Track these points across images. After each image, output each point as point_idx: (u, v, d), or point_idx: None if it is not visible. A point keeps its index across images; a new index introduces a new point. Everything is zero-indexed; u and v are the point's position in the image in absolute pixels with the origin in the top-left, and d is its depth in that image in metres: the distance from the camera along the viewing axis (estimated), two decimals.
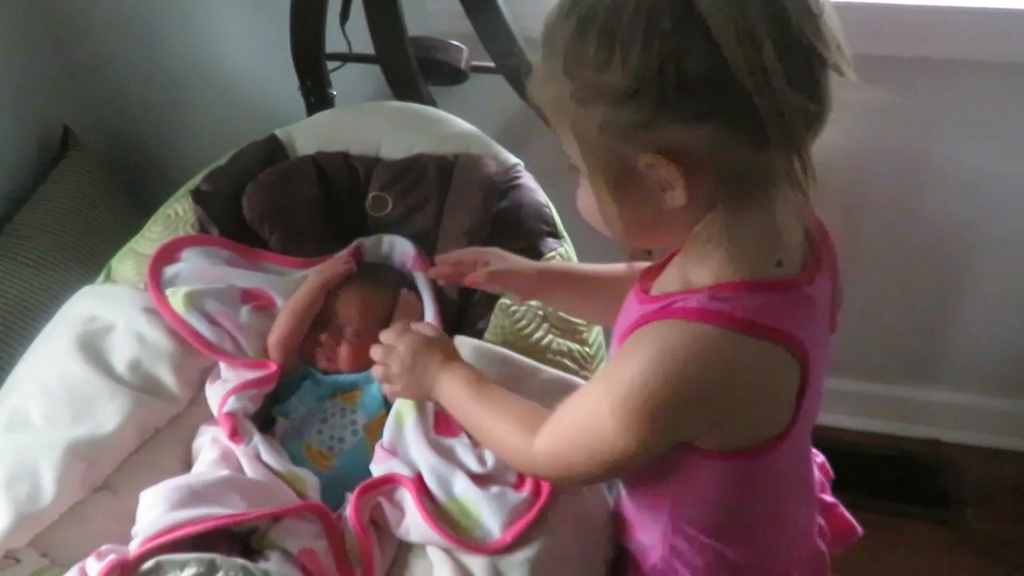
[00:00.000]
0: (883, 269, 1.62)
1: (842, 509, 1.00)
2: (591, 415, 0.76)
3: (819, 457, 1.01)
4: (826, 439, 1.04)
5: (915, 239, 1.58)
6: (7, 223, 1.55)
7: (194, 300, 1.09)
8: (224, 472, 0.96)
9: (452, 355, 0.93)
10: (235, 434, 0.99)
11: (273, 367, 1.08)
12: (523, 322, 1.09)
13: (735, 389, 0.72)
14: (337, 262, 1.17)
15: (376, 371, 0.96)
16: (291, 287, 1.16)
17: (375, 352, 0.95)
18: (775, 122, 0.64)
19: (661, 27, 0.62)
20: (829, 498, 0.99)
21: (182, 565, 0.82)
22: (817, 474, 0.98)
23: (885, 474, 1.70)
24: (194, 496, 0.89)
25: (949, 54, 1.37)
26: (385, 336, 0.95)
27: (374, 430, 1.08)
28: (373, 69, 1.57)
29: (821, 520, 0.96)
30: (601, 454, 0.76)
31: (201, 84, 1.77)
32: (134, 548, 0.86)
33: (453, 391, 0.89)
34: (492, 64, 1.38)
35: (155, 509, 0.88)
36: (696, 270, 0.74)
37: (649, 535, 0.90)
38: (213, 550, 0.86)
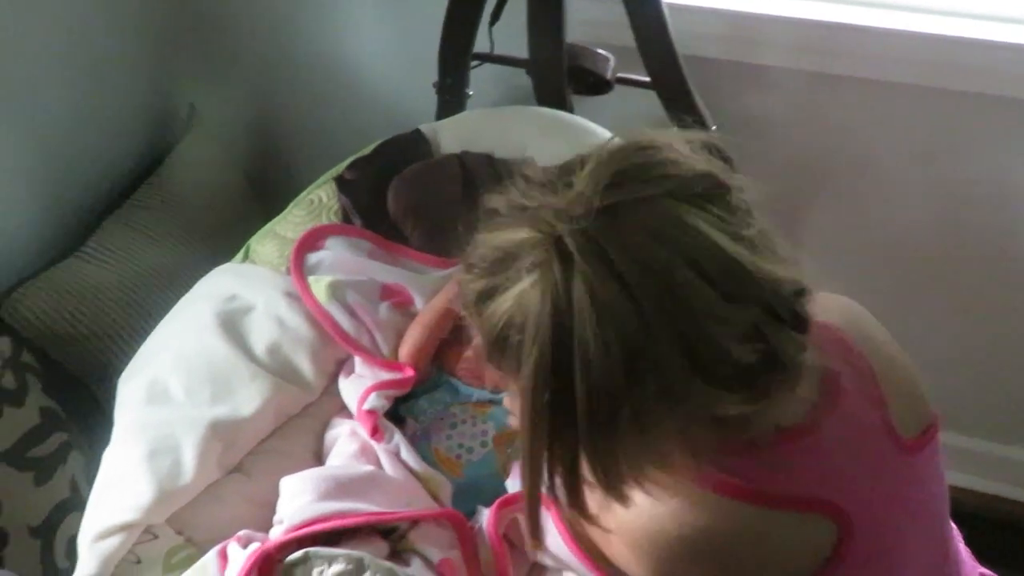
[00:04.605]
0: (999, 326, 1.55)
1: None
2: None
3: None
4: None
5: None
6: (132, 193, 1.56)
7: (336, 291, 1.08)
8: (368, 467, 0.94)
9: None
10: (376, 432, 0.97)
11: (410, 372, 1.05)
12: None
13: (731, 553, 0.71)
14: None
15: (508, 402, 0.97)
16: (430, 286, 1.14)
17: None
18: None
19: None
20: None
21: (330, 560, 0.80)
22: None
23: (999, 539, 1.62)
24: (340, 488, 0.88)
25: None
26: None
27: (502, 442, 1.05)
28: (504, 72, 1.56)
29: None
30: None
31: (327, 75, 1.77)
32: (279, 534, 0.84)
33: None
34: (639, 77, 1.35)
35: (302, 497, 0.87)
36: None
37: None
38: (355, 541, 0.85)
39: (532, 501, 0.69)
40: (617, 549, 0.80)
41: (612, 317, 0.60)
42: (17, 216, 1.40)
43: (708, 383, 0.62)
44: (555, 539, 0.91)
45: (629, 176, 0.64)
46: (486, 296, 0.66)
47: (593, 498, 0.70)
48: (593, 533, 0.86)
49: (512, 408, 1.00)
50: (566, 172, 0.66)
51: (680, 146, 0.67)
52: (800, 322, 0.65)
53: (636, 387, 0.61)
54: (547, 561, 0.92)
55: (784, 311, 0.64)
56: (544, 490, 0.69)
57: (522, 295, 0.63)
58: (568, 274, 0.61)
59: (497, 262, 0.65)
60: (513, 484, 0.98)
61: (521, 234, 0.64)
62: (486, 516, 0.94)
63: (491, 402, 1.07)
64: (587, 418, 0.62)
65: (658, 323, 0.60)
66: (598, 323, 0.60)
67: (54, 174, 1.46)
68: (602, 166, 0.64)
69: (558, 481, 0.67)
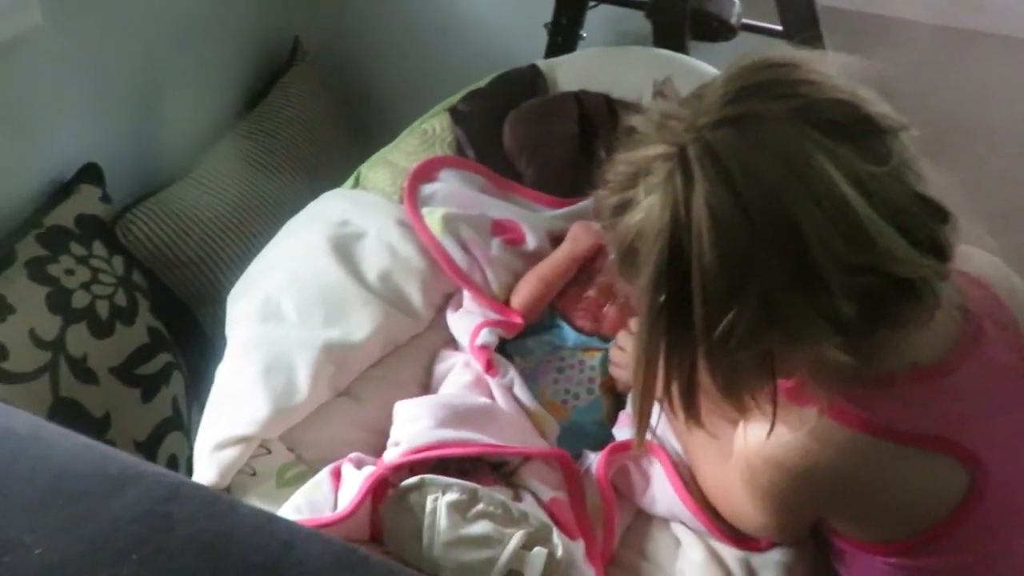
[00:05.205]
0: None
1: None
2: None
3: None
4: None
5: None
6: (239, 123, 1.57)
7: (449, 224, 1.05)
8: (484, 399, 0.93)
9: None
10: (490, 367, 0.96)
11: (518, 319, 1.03)
12: None
13: (856, 488, 0.70)
14: (590, 231, 1.08)
15: (614, 353, 0.97)
16: (542, 225, 1.11)
17: (623, 338, 0.97)
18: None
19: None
20: None
21: (445, 488, 0.79)
22: None
23: None
24: (458, 417, 0.87)
25: None
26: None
27: (608, 389, 1.02)
28: (616, 16, 1.51)
29: None
30: (746, 522, 0.80)
31: (435, 9, 1.75)
32: (395, 456, 0.84)
33: None
34: (767, 25, 1.29)
35: (420, 422, 0.86)
36: None
37: None
38: (470, 473, 0.85)
39: (644, 406, 0.70)
40: (733, 494, 0.78)
41: (726, 230, 0.60)
42: (130, 137, 1.42)
43: (815, 308, 0.61)
44: (664, 489, 0.88)
45: (758, 90, 0.63)
46: (619, 210, 0.68)
47: (715, 426, 0.71)
48: (705, 478, 0.85)
49: (619, 360, 0.98)
50: (703, 87, 0.67)
51: (828, 71, 0.65)
52: (938, 248, 0.63)
53: (746, 300, 0.61)
54: (656, 510, 0.90)
55: (921, 234, 0.62)
56: (660, 399, 0.70)
57: (650, 207, 0.64)
58: (688, 185, 0.62)
59: (630, 177, 0.67)
60: (620, 432, 0.96)
61: (652, 149, 0.65)
62: (593, 460, 0.92)
63: (599, 348, 1.04)
64: (703, 324, 0.62)
65: (769, 243, 0.60)
66: (713, 234, 0.61)
67: (165, 99, 1.47)
68: (733, 79, 0.64)
69: (675, 388, 0.68)
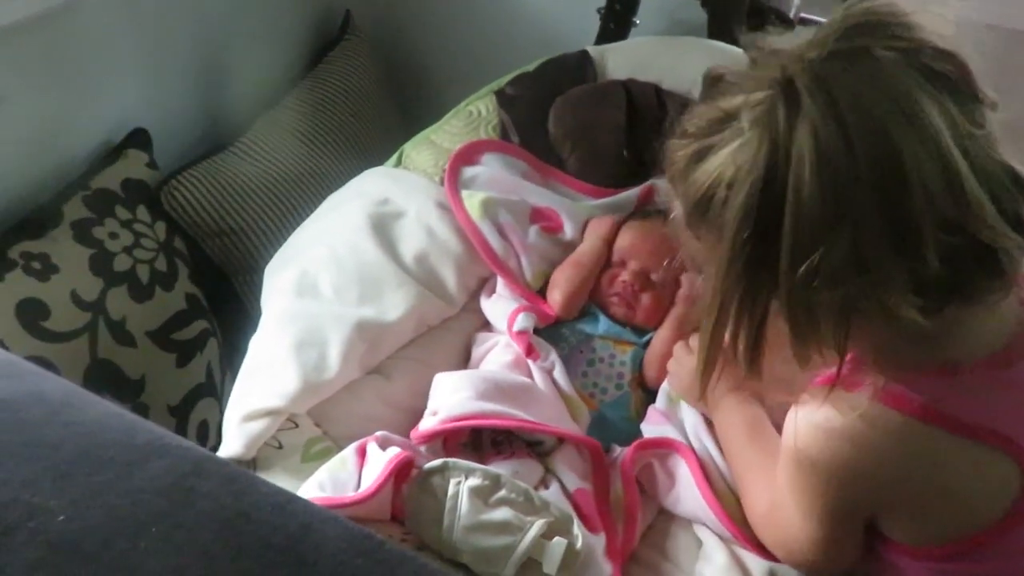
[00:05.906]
0: None
1: None
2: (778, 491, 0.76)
3: None
4: None
5: None
6: (286, 95, 1.58)
7: (488, 208, 1.05)
8: (524, 378, 0.93)
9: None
10: (531, 351, 0.96)
11: (550, 312, 1.02)
12: None
13: (908, 478, 0.68)
14: (603, 218, 1.08)
15: (671, 364, 0.96)
16: (581, 214, 1.09)
17: (681, 351, 0.95)
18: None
19: None
20: None
21: (468, 472, 0.79)
22: None
23: None
24: (499, 392, 0.87)
25: None
26: (693, 339, 0.94)
27: (638, 386, 1.02)
28: (670, 4, 1.48)
29: None
30: (796, 540, 0.76)
31: None
32: (433, 424, 0.85)
33: (730, 419, 0.87)
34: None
35: (461, 393, 0.86)
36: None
37: None
38: (504, 445, 0.86)
39: (712, 349, 0.69)
40: (782, 511, 0.76)
41: (830, 162, 0.60)
42: (179, 105, 1.43)
43: (903, 257, 0.60)
44: (690, 490, 0.87)
45: (869, 28, 0.63)
46: (697, 158, 0.66)
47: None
48: (753, 501, 0.84)
49: (674, 371, 0.96)
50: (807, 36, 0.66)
51: (936, 26, 0.64)
52: (1021, 223, 0.62)
53: (837, 237, 0.60)
54: (680, 511, 0.89)
55: (1007, 205, 0.61)
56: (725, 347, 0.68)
57: (738, 151, 0.63)
58: (794, 113, 0.61)
59: (716, 122, 0.66)
60: (648, 429, 0.95)
61: (745, 93, 0.64)
62: (619, 454, 0.92)
63: (631, 343, 1.03)
64: (789, 260, 0.61)
65: (870, 180, 0.59)
66: (815, 165, 0.59)
67: (215, 69, 1.48)
68: (843, 18, 0.64)
69: (743, 334, 0.66)
